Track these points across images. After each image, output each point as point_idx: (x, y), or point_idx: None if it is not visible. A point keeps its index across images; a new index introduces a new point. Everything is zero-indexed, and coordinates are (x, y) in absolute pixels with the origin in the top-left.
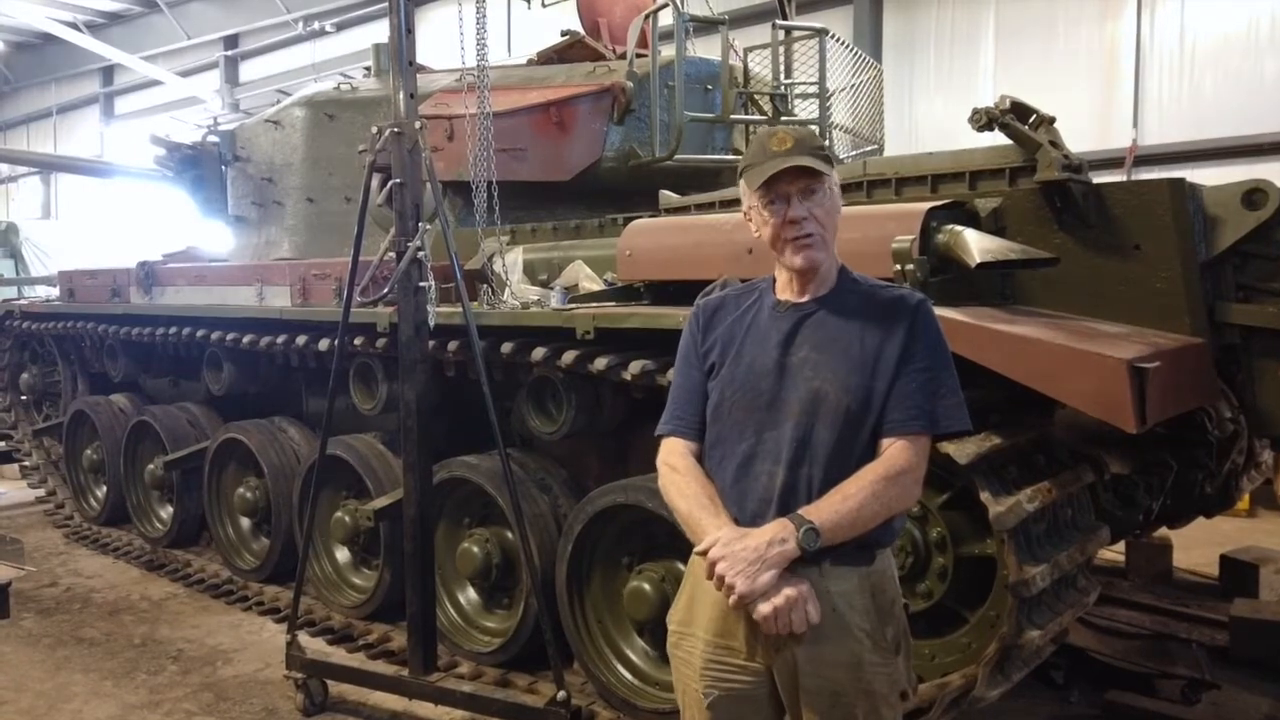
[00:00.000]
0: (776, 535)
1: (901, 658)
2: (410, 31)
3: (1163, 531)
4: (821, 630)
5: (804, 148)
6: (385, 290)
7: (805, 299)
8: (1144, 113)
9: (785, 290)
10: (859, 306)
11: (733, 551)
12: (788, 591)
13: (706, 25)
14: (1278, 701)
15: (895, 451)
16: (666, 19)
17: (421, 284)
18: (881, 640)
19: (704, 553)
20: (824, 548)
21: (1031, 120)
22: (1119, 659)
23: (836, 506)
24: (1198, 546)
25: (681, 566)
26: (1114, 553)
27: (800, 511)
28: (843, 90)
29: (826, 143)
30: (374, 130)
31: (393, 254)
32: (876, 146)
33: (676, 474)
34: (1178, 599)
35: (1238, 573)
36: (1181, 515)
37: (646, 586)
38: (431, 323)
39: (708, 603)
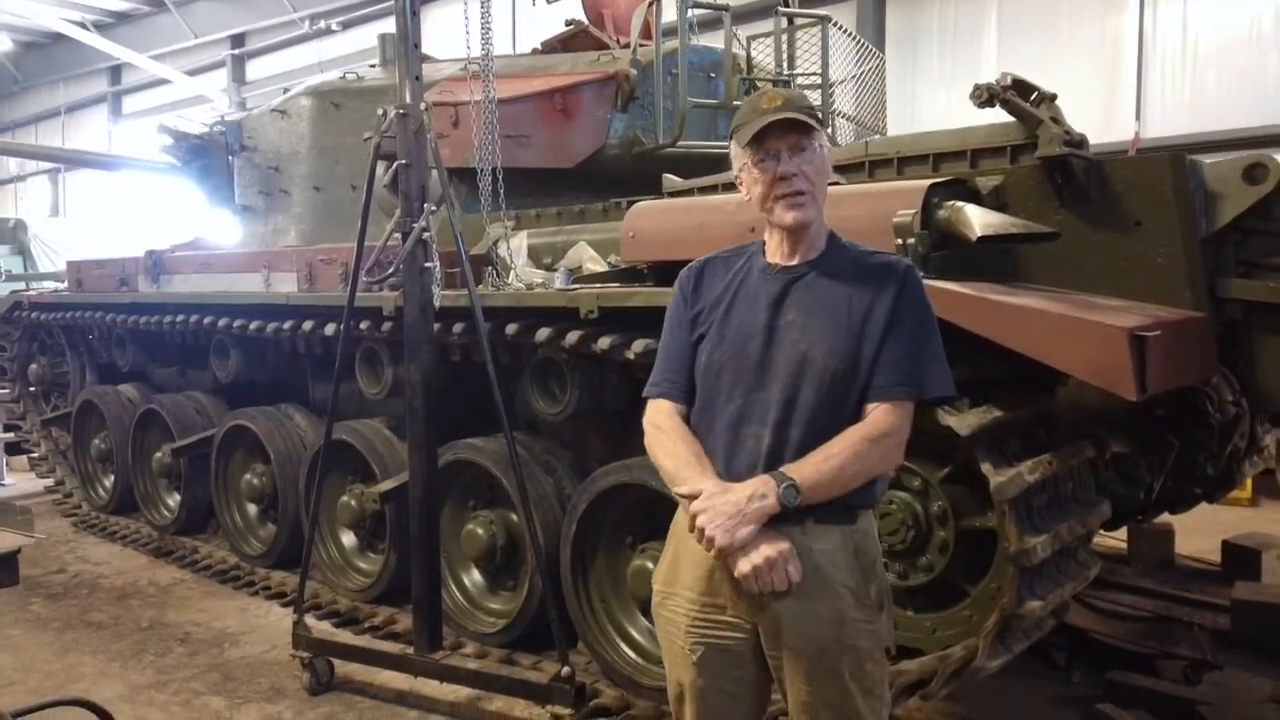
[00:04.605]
0: (757, 490)
1: (885, 614)
2: (415, 14)
3: (1164, 517)
4: (805, 588)
5: (794, 105)
6: (390, 271)
7: (795, 261)
8: (1147, 107)
9: (775, 253)
10: (848, 270)
11: (714, 505)
12: (767, 553)
13: (709, 13)
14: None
15: (879, 415)
16: (670, 14)
17: (426, 265)
18: (865, 597)
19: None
20: (806, 507)
21: (1033, 97)
22: (1121, 640)
23: (818, 465)
24: (1200, 535)
25: None
26: (1116, 539)
27: (783, 469)
28: (845, 80)
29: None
30: (380, 113)
31: (398, 236)
32: (879, 135)
33: (662, 433)
34: (1180, 584)
35: (1240, 557)
36: (1183, 498)
37: (650, 565)
38: (436, 303)
39: (693, 561)
